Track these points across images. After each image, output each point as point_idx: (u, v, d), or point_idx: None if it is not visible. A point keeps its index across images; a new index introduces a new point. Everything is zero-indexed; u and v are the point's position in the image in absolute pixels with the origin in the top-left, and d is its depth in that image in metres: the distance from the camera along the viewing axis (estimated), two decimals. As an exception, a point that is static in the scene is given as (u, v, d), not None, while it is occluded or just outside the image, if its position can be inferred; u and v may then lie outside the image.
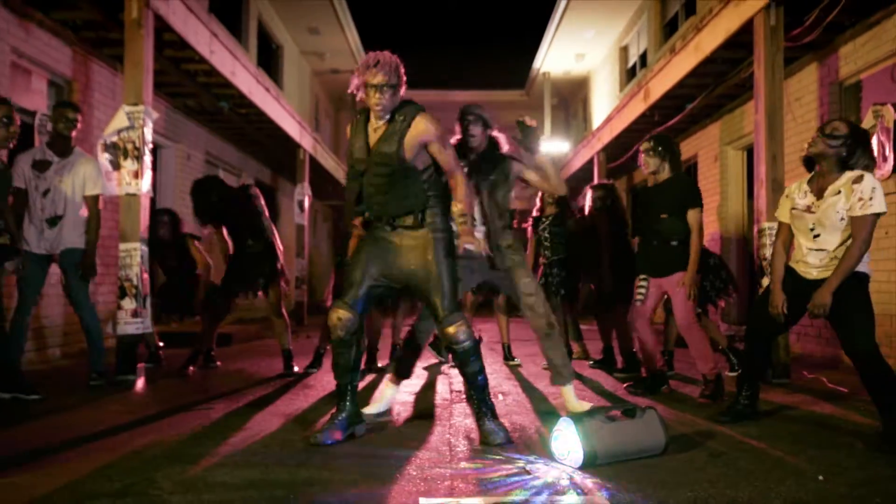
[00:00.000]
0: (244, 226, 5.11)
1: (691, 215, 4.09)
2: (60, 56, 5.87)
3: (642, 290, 4.28)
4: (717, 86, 7.28)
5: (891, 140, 5.16)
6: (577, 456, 2.63)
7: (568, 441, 2.67)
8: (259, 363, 5.83)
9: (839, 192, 3.13)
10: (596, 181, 10.31)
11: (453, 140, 3.70)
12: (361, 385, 4.03)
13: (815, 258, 3.25)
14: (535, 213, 5.94)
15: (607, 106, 13.38)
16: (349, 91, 3.08)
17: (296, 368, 5.17)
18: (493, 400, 4.09)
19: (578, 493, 2.37)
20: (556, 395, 4.32)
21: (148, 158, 4.88)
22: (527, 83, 16.21)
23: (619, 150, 10.47)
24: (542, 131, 14.12)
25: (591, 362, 5.76)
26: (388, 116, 3.01)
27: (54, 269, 4.49)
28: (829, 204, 3.16)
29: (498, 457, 2.81)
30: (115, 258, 5.92)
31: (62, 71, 5.92)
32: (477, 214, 3.62)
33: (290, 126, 9.64)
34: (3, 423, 3.41)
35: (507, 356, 5.88)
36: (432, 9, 23.42)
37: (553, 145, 14.43)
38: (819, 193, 3.22)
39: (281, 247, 5.37)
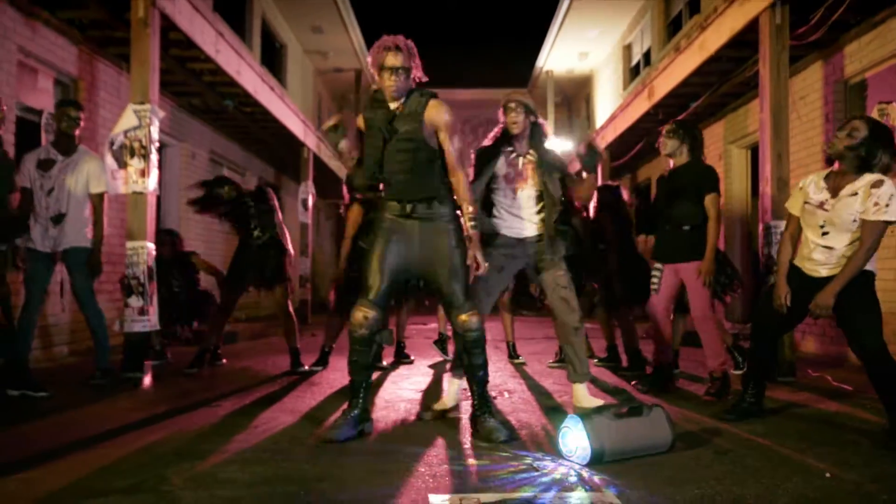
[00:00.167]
0: (255, 216, 5.16)
1: (708, 200, 4.04)
2: (66, 55, 5.89)
3: (656, 278, 4.26)
4: (722, 84, 7.28)
5: (896, 138, 5.15)
6: (585, 453, 2.64)
7: (575, 438, 2.69)
8: (265, 361, 5.85)
9: (856, 193, 3.10)
10: (600, 181, 10.34)
11: (496, 128, 3.72)
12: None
13: (821, 255, 3.24)
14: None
15: (610, 104, 13.37)
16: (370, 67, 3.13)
17: (305, 367, 5.19)
18: (499, 397, 4.15)
19: (587, 490, 2.38)
20: (561, 392, 4.33)
21: (154, 157, 4.90)
22: (530, 81, 16.20)
23: (623, 149, 10.47)
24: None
25: (596, 360, 5.76)
26: (403, 98, 3.06)
27: (60, 267, 4.51)
28: (843, 203, 3.13)
29: (505, 454, 2.83)
30: (118, 256, 5.95)
31: (68, 70, 5.94)
32: (525, 201, 3.61)
33: (295, 125, 9.66)
34: (13, 420, 3.44)
35: (512, 354, 5.89)
36: (435, 7, 23.43)
37: (556, 144, 14.43)
38: (835, 191, 3.19)
39: (291, 249, 5.41)
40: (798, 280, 3.32)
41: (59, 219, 4.32)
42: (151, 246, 4.87)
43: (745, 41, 5.79)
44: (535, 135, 3.66)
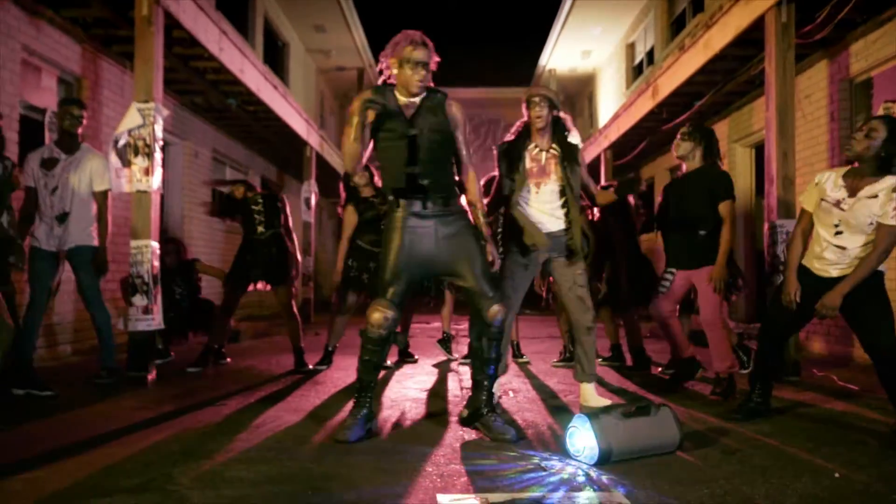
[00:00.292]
0: (260, 212, 5.20)
1: (723, 207, 4.01)
2: (70, 53, 5.88)
3: (667, 282, 4.25)
4: (726, 83, 7.25)
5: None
6: (593, 452, 2.63)
7: (583, 438, 2.67)
8: (269, 360, 5.84)
9: (876, 195, 3.06)
10: (604, 181, 10.32)
11: (518, 123, 3.71)
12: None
13: (832, 254, 3.21)
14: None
15: (613, 103, 13.35)
16: (378, 68, 3.15)
17: (310, 366, 5.18)
18: (504, 396, 4.14)
19: (595, 490, 2.37)
20: (566, 391, 4.32)
21: (158, 155, 4.89)
22: (532, 80, 16.16)
23: (626, 148, 10.45)
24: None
25: (601, 359, 5.75)
26: (423, 94, 3.07)
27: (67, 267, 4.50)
28: (862, 204, 3.09)
29: (512, 453, 2.82)
30: (122, 255, 5.94)
31: (72, 68, 5.93)
32: (548, 196, 3.58)
33: (298, 123, 9.65)
34: (18, 420, 3.43)
35: (516, 353, 5.87)
36: (438, 6, 23.40)
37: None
38: (853, 191, 3.15)
39: (298, 254, 5.42)
40: (806, 280, 3.30)
41: (63, 217, 4.31)
42: (156, 245, 4.86)
43: (750, 39, 5.77)
44: (558, 129, 3.63)
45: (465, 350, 6.00)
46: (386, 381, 4.74)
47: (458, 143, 3.16)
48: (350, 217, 5.11)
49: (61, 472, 2.51)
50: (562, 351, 5.74)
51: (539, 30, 14.61)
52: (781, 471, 2.60)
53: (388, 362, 5.47)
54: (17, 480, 2.42)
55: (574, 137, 3.68)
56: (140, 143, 4.77)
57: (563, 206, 3.58)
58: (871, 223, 3.07)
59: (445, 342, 6.06)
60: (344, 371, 5.18)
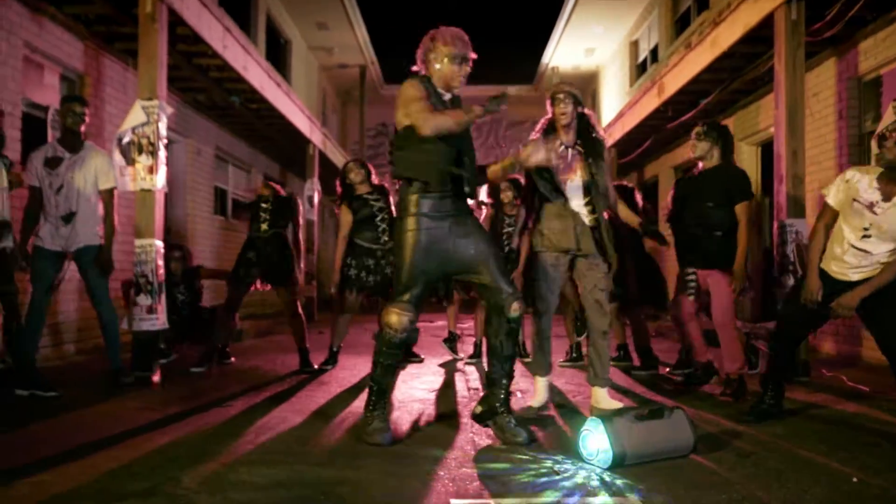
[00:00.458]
0: (267, 210, 5.21)
1: (740, 208, 3.97)
2: (73, 50, 5.84)
3: (693, 284, 4.21)
4: (733, 81, 7.20)
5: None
6: (606, 456, 2.60)
7: (596, 441, 2.64)
8: (274, 359, 5.81)
9: None
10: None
11: (542, 120, 3.66)
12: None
13: (854, 258, 3.14)
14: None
15: (617, 101, 13.29)
16: (417, 63, 3.11)
17: (315, 366, 5.15)
18: (512, 397, 4.10)
19: (610, 495, 2.33)
20: (574, 392, 4.29)
21: (163, 153, 4.84)
22: (535, 78, 16.11)
23: (631, 146, 10.40)
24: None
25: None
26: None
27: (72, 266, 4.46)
28: None
29: (524, 456, 2.78)
30: (125, 254, 5.90)
31: (74, 65, 5.89)
32: (574, 192, 3.54)
33: (301, 121, 9.60)
34: (23, 421, 3.39)
35: (523, 353, 5.83)
36: (441, 3, 23.35)
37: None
38: (888, 195, 3.06)
39: (302, 254, 5.40)
40: (822, 282, 3.24)
41: (69, 217, 4.26)
42: (160, 244, 4.82)
43: (758, 37, 5.72)
44: (583, 125, 3.59)
45: (470, 350, 5.98)
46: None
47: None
48: (345, 216, 5.10)
49: (67, 476, 2.47)
50: (568, 351, 5.71)
51: (542, 27, 14.55)
52: (797, 475, 2.57)
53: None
54: (24, 484, 2.38)
55: (599, 134, 3.64)
56: (144, 142, 4.73)
57: (586, 203, 3.53)
58: None
59: (451, 342, 6.03)
60: (349, 371, 5.15)
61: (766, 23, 5.30)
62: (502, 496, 2.30)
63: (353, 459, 2.72)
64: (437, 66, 3.03)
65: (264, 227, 5.18)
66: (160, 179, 4.81)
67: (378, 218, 5.08)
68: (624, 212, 3.91)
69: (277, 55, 12.02)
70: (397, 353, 3.06)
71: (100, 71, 6.22)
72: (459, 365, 5.58)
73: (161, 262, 4.82)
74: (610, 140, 10.58)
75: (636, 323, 5.31)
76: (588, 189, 3.52)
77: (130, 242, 4.96)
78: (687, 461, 2.72)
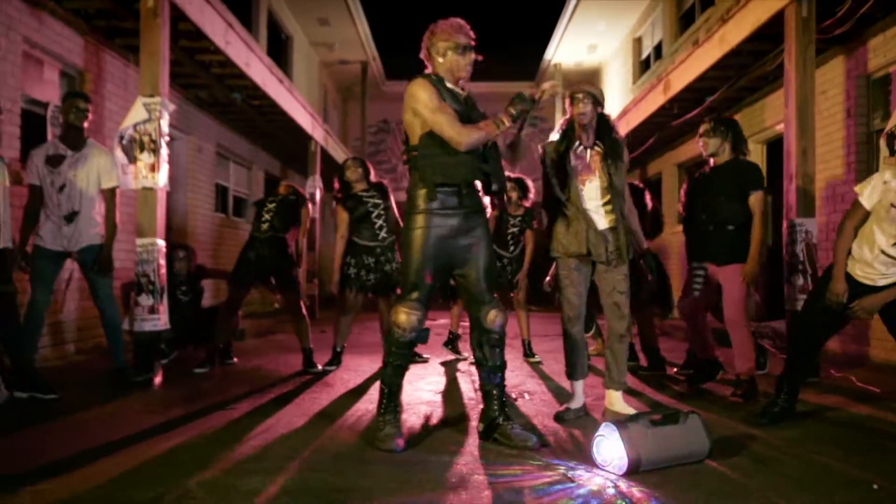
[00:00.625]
0: (270, 210, 5.17)
1: (753, 199, 3.89)
2: (72, 46, 5.76)
3: (699, 281, 4.15)
4: (740, 78, 7.13)
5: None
6: (621, 463, 2.54)
7: (611, 447, 2.58)
8: (276, 360, 5.75)
9: None
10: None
11: (562, 120, 3.60)
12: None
13: (882, 266, 3.05)
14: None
15: (620, 98, 13.22)
16: (420, 55, 3.07)
17: (319, 367, 5.09)
18: (519, 399, 4.05)
19: (627, 503, 2.28)
20: (584, 393, 4.22)
21: (165, 151, 4.77)
22: (538, 74, 16.04)
23: (635, 144, 10.31)
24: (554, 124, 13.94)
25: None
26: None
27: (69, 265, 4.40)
28: None
29: (536, 462, 2.72)
30: (127, 252, 5.84)
31: (74, 61, 5.81)
32: (593, 193, 3.47)
33: (303, 118, 9.53)
34: (22, 425, 3.34)
35: (528, 353, 5.79)
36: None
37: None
38: None
39: (302, 256, 5.35)
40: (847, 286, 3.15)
41: (72, 217, 4.18)
42: (162, 243, 4.75)
43: (767, 34, 5.66)
44: (602, 125, 3.53)
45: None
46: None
47: None
48: (341, 215, 5.05)
49: (69, 484, 2.41)
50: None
51: (544, 24, 14.46)
52: (816, 482, 2.51)
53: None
54: (25, 493, 2.32)
55: (618, 134, 3.57)
56: (146, 139, 4.66)
57: (604, 204, 3.46)
58: None
59: (452, 343, 5.96)
60: (353, 371, 5.09)
61: (776, 20, 5.23)
62: (517, 505, 2.24)
63: (362, 466, 2.66)
64: (441, 59, 2.99)
65: (264, 227, 5.14)
66: (162, 177, 4.74)
67: (374, 214, 5.02)
68: (634, 224, 3.80)
69: (279, 51, 11.94)
70: (407, 354, 3.00)
71: (100, 67, 6.15)
72: (465, 365, 5.52)
73: (163, 262, 4.76)
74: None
75: (644, 322, 5.25)
76: (606, 191, 3.45)
77: (131, 241, 4.90)
78: (703, 467, 2.66)
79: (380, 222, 5.02)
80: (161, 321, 4.66)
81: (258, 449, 2.89)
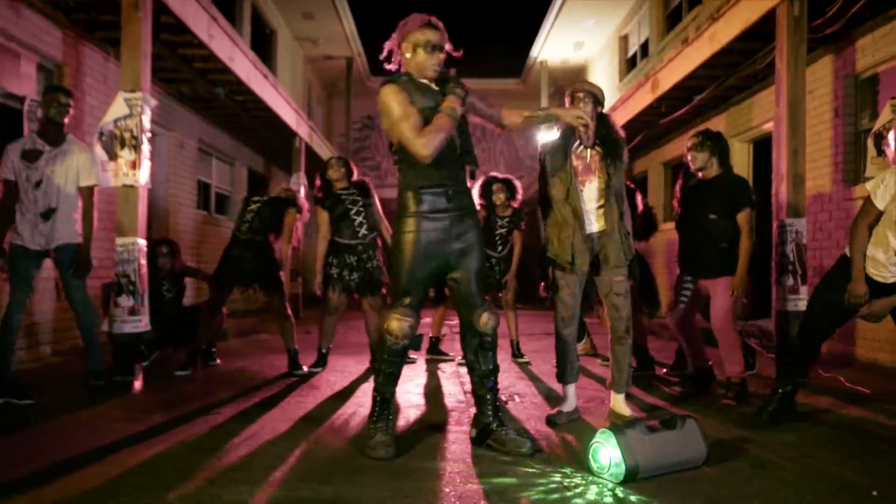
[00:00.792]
0: (252, 211, 5.09)
1: (742, 217, 3.92)
2: (51, 39, 5.59)
3: (687, 293, 4.15)
4: (729, 77, 7.12)
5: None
6: (619, 469, 2.48)
7: (608, 454, 2.52)
8: (261, 361, 5.64)
9: None
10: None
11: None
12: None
13: (895, 266, 3.05)
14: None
15: (606, 96, 13.20)
16: (385, 51, 2.95)
17: (304, 368, 4.99)
18: (509, 402, 3.98)
19: (626, 513, 2.22)
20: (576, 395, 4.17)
21: (146, 148, 4.64)
22: (523, 71, 16.01)
23: (621, 142, 10.30)
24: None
25: (601, 360, 5.63)
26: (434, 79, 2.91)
27: (48, 264, 4.26)
28: None
29: (531, 469, 2.65)
30: (106, 251, 5.69)
31: (52, 54, 5.64)
32: (593, 194, 3.40)
33: (287, 114, 9.39)
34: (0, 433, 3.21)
35: (516, 353, 5.73)
36: (426, -5, 23.12)
37: (550, 136, 14.24)
38: None
39: (284, 254, 5.23)
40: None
41: (48, 214, 4.03)
42: (143, 242, 4.62)
43: (758, 33, 5.63)
44: (602, 125, 3.46)
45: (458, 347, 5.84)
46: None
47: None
48: (321, 215, 4.97)
49: (44, 497, 2.30)
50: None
51: (531, 21, 14.42)
52: (815, 487, 2.48)
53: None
54: (-1, 506, 2.21)
55: (619, 134, 3.50)
56: (127, 135, 4.53)
57: (600, 206, 3.40)
58: None
59: (434, 347, 5.84)
60: (339, 373, 5.00)
61: (767, 19, 5.20)
62: (513, 516, 2.18)
63: (352, 475, 2.58)
64: (409, 55, 2.88)
65: (244, 227, 5.06)
66: (143, 175, 4.61)
67: (353, 212, 4.93)
68: (628, 226, 3.75)
69: (262, 45, 11.77)
70: (400, 361, 2.92)
71: (79, 60, 5.98)
72: (452, 366, 5.45)
73: (144, 262, 4.63)
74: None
75: (634, 322, 5.20)
76: (604, 192, 3.39)
77: (110, 240, 4.76)
78: (700, 473, 2.62)
79: (359, 219, 4.94)
80: (142, 323, 4.53)
81: (243, 457, 2.79)
